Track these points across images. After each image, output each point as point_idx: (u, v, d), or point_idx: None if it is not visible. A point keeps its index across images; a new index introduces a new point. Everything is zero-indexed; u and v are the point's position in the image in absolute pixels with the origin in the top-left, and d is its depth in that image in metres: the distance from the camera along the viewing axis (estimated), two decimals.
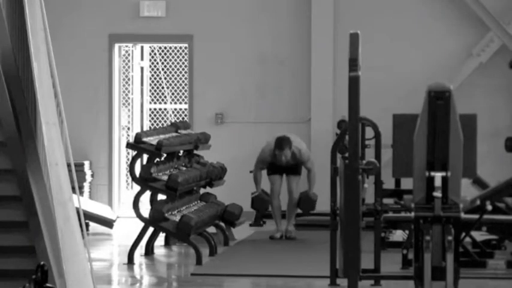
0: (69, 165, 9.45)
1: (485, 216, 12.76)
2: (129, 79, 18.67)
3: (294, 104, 17.94)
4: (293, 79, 17.67)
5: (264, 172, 15.60)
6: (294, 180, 15.43)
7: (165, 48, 18.82)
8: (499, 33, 17.48)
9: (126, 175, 17.42)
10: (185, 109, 18.40)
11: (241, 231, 15.67)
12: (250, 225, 16.46)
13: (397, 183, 14.58)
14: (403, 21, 17.57)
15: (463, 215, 11.38)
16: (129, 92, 18.65)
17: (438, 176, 11.03)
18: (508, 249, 13.21)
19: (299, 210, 16.08)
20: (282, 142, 14.77)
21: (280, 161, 14.98)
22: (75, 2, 17.42)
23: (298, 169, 15.42)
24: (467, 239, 12.87)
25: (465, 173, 11.86)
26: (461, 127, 11.30)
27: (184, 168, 14.65)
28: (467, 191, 13.20)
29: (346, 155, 9.96)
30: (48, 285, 9.01)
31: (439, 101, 11.21)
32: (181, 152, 15.12)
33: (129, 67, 18.67)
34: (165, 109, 19.02)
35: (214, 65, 17.91)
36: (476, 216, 12.48)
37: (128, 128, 18.29)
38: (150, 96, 19.03)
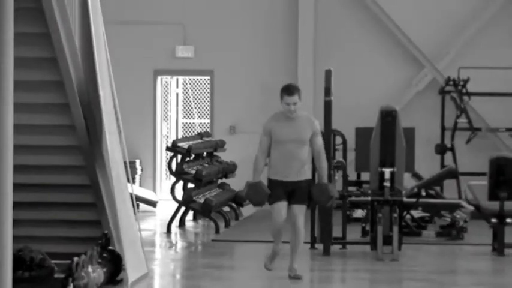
0: (125, 163, 9.47)
1: (421, 200, 12.78)
2: (168, 101, 18.67)
3: None
4: None
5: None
6: (301, 210, 9.00)
7: (194, 79, 18.82)
8: (431, 69, 17.45)
9: (166, 170, 17.40)
10: (208, 123, 18.38)
11: (247, 210, 15.63)
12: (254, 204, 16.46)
13: (358, 176, 14.55)
14: (363, 60, 17.52)
15: (405, 199, 11.46)
16: (168, 110, 18.65)
17: (387, 171, 11.05)
18: (436, 223, 13.20)
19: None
20: (289, 86, 9.03)
21: (288, 113, 8.89)
22: (131, 46, 17.42)
23: (305, 195, 9.02)
24: (408, 216, 12.89)
25: (407, 169, 11.91)
26: (404, 136, 11.31)
27: (207, 165, 14.66)
28: (408, 182, 13.23)
29: None
30: (110, 248, 9.02)
31: (388, 118, 11.22)
32: (205, 153, 15.14)
33: (168, 93, 18.66)
34: (193, 123, 19.02)
35: (228, 91, 17.89)
36: (414, 200, 12.51)
37: (167, 136, 18.28)
38: (183, 114, 19.04)
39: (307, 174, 9.07)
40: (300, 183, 8.95)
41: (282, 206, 8.92)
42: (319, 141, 9.03)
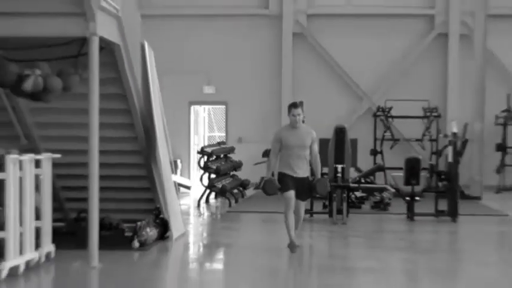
0: (171, 161, 9.50)
1: (361, 185, 12.79)
2: (198, 122, 18.72)
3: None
4: (275, 121, 17.62)
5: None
6: (303, 204, 8.06)
7: (215, 107, 18.85)
8: (367, 101, 17.50)
9: (197, 166, 17.43)
10: (224, 135, 18.42)
11: (250, 192, 15.66)
12: (254, 189, 16.45)
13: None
14: (324, 95, 17.59)
15: (350, 185, 11.44)
16: (198, 127, 18.70)
17: (339, 166, 11.06)
18: (371, 200, 13.13)
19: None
20: (295, 102, 8.21)
21: (294, 123, 7.92)
22: (174, 86, 17.41)
23: (309, 192, 8.06)
24: (352, 195, 12.89)
25: (352, 165, 11.91)
26: (350, 144, 11.31)
27: (223, 163, 14.66)
28: (353, 174, 13.25)
29: None
30: (161, 216, 9.04)
31: (340, 133, 11.24)
32: (222, 155, 15.14)
33: (198, 116, 18.71)
34: (214, 135, 19.04)
35: (237, 115, 17.95)
36: (356, 185, 12.51)
37: (198, 144, 18.32)
38: (208, 129, 19.09)
39: (307, 172, 7.99)
40: (304, 180, 7.90)
41: (292, 194, 7.85)
42: (316, 147, 8.03)
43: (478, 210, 12.79)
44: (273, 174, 8.02)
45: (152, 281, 6.83)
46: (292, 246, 7.91)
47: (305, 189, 7.95)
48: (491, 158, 16.66)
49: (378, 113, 16.45)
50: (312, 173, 8.19)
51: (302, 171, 7.92)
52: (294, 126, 7.91)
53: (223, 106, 18.26)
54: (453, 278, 7.22)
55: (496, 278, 7.09)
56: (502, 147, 16.87)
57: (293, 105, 7.97)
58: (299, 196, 7.92)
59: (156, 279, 7.01)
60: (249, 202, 14.28)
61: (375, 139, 16.50)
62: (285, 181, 7.86)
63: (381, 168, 14.32)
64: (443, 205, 11.58)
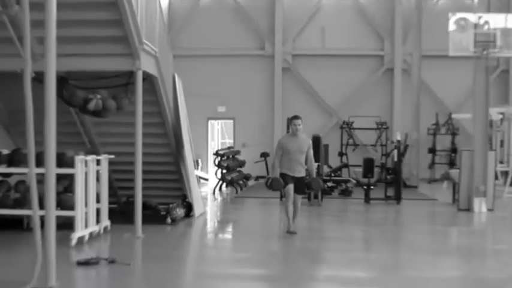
0: (193, 160, 9.46)
1: (332, 177, 12.73)
2: (213, 132, 18.68)
3: (273, 141, 17.93)
4: (270, 131, 17.58)
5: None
6: (299, 197, 7.30)
7: (226, 122, 18.78)
8: (335, 117, 17.49)
9: (213, 163, 17.40)
10: (232, 141, 18.36)
11: (251, 183, 15.56)
12: (254, 180, 16.40)
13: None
14: (306, 113, 17.34)
15: (324, 177, 11.38)
16: (213, 136, 18.66)
17: (316, 164, 10.91)
18: (338, 189, 12.97)
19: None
20: (296, 115, 7.47)
21: (295, 131, 7.25)
22: (196, 106, 17.30)
23: (304, 188, 7.33)
24: (326, 185, 12.81)
25: (325, 163, 11.84)
26: (323, 148, 11.26)
27: (232, 162, 14.58)
28: (325, 169, 13.20)
29: None
30: (187, 200, 9.02)
31: (316, 140, 11.07)
32: (231, 156, 15.09)
33: (213, 128, 18.66)
34: (225, 142, 18.97)
35: (242, 127, 17.89)
36: (328, 177, 12.47)
37: (213, 148, 18.26)
38: (221, 137, 19.04)
39: (303, 173, 7.25)
40: (300, 179, 7.21)
41: (291, 187, 7.21)
42: (311, 152, 7.27)
43: (416, 196, 12.79)
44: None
45: (181, 246, 6.92)
46: (289, 229, 7.31)
47: (301, 185, 7.27)
48: (425, 158, 16.82)
49: (343, 126, 16.49)
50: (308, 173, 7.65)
51: (299, 171, 7.24)
52: (294, 134, 7.23)
53: (232, 120, 18.16)
54: (397, 242, 7.33)
55: (426, 242, 7.24)
56: (432, 150, 17.09)
57: (294, 117, 7.32)
58: (296, 191, 7.25)
59: (183, 245, 7.10)
60: (251, 190, 14.24)
61: (341, 144, 16.51)
62: (285, 179, 7.23)
63: (346, 166, 14.31)
64: (390, 192, 11.64)
